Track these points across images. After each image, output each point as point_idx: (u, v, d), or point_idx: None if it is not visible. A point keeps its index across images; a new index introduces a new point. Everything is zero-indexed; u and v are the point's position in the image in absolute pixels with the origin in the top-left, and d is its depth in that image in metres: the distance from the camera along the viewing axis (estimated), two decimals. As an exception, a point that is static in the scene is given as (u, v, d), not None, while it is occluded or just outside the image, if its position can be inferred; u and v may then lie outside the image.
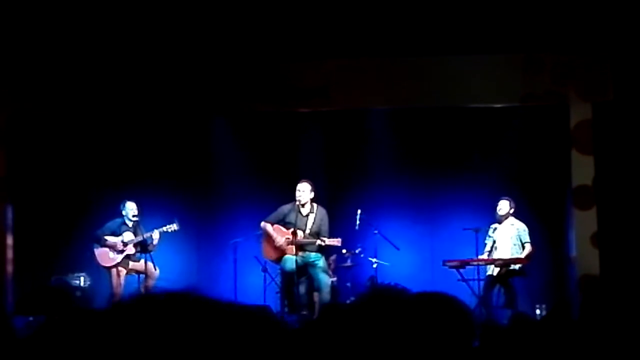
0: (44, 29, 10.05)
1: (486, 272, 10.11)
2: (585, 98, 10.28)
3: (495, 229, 10.29)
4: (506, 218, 10.23)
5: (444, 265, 9.99)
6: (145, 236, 10.21)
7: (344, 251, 10.45)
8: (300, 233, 9.86)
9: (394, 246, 10.47)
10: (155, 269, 10.28)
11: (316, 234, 9.86)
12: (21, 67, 10.40)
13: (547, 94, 10.37)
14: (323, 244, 9.78)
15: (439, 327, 2.09)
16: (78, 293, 10.41)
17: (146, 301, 1.57)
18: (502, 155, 11.13)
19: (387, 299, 2.09)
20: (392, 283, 2.19)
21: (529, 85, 10.36)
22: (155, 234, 10.23)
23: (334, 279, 10.47)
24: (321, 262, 9.90)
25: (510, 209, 10.24)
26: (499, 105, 10.78)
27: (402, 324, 1.97)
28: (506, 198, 10.28)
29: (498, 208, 10.26)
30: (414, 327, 2.01)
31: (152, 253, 10.23)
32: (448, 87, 10.47)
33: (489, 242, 10.34)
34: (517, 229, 10.20)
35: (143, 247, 10.21)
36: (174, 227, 10.25)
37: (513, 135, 11.06)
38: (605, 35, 10.04)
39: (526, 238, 10.15)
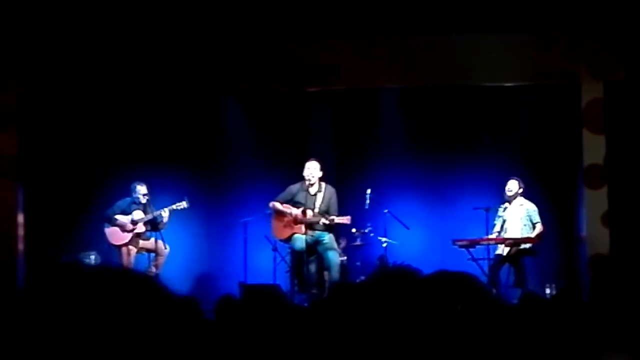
0: (54, 10, 10.03)
1: (495, 251, 10.09)
2: (597, 77, 10.23)
3: (505, 208, 10.26)
4: (515, 198, 10.19)
5: (454, 244, 9.98)
6: (154, 214, 10.24)
7: (353, 230, 10.45)
8: (309, 212, 9.86)
9: (404, 225, 10.47)
10: (166, 247, 10.31)
11: (325, 213, 9.86)
12: (31, 47, 10.40)
13: (558, 73, 10.32)
14: (332, 222, 9.77)
15: (454, 307, 2.08)
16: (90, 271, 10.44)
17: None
18: (513, 134, 11.09)
19: (399, 278, 2.08)
20: (404, 263, 2.18)
21: (540, 63, 10.31)
22: (165, 212, 10.25)
23: (344, 258, 10.48)
24: (331, 241, 9.90)
25: (520, 188, 10.20)
26: (510, 84, 10.74)
27: (415, 303, 1.97)
28: (515, 178, 10.23)
29: (507, 188, 10.21)
30: (430, 306, 2.01)
31: (162, 231, 10.25)
32: (458, 65, 10.43)
33: (498, 222, 10.32)
34: (527, 209, 10.17)
35: (153, 225, 10.23)
36: (183, 204, 10.26)
37: (524, 114, 11.01)
38: (617, 14, 9.97)
39: (536, 218, 10.12)
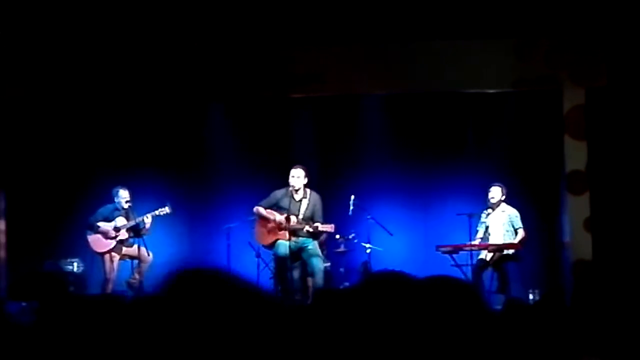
0: (38, 15, 9.99)
1: (478, 256, 10.11)
2: (579, 83, 10.28)
3: (488, 214, 10.29)
4: (498, 205, 10.22)
5: (437, 250, 9.99)
6: (137, 220, 10.21)
7: (337, 236, 10.45)
8: (293, 218, 9.86)
9: (387, 232, 10.48)
10: (149, 254, 10.28)
11: (309, 219, 9.86)
12: (14, 52, 10.35)
13: (540, 79, 10.36)
14: (317, 229, 9.77)
15: (448, 313, 2.08)
16: (71, 278, 10.41)
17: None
18: (495, 140, 11.14)
19: (385, 283, 2.08)
20: (390, 269, 2.17)
21: (522, 70, 10.35)
22: (148, 218, 10.22)
23: (328, 264, 10.48)
24: (314, 247, 9.90)
25: (502, 195, 10.24)
26: (491, 91, 10.78)
27: (402, 308, 1.96)
28: (498, 185, 10.26)
29: (490, 195, 10.24)
30: (419, 312, 2.01)
31: (145, 238, 10.22)
32: (440, 72, 10.46)
33: (481, 229, 10.35)
34: (509, 215, 10.20)
35: (136, 231, 10.20)
36: (166, 210, 10.24)
37: (506, 121, 11.06)
38: (598, 21, 10.03)
39: (518, 223, 10.15)
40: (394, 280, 2.02)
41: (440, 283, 2.16)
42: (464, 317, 2.04)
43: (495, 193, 10.21)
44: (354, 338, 1.95)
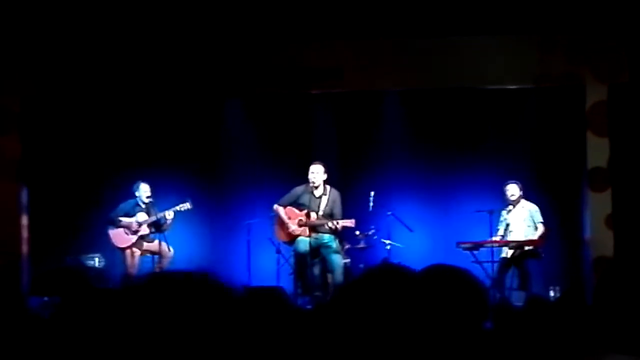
0: (58, 13, 10.05)
1: (500, 254, 10.09)
2: (601, 79, 10.22)
3: (509, 211, 10.26)
4: (518, 202, 10.19)
5: (457, 247, 9.97)
6: (158, 216, 10.25)
7: (357, 233, 10.45)
8: (313, 215, 9.86)
9: (408, 228, 10.46)
10: (170, 250, 10.32)
11: (329, 216, 9.87)
12: (35, 50, 10.42)
13: (562, 75, 10.32)
14: (337, 225, 9.77)
15: (451, 302, 2.08)
16: (92, 274, 10.47)
17: (161, 281, 1.58)
18: (516, 137, 11.09)
19: (394, 275, 2.07)
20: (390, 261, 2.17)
21: (544, 66, 10.30)
22: (169, 214, 10.26)
23: (347, 260, 10.48)
24: (334, 243, 9.90)
25: (520, 191, 10.21)
26: (513, 87, 10.73)
27: (413, 301, 1.96)
28: (513, 182, 10.22)
29: (509, 193, 10.19)
30: (425, 304, 2.00)
31: (166, 233, 10.27)
32: (462, 68, 10.43)
33: (501, 226, 10.31)
34: (529, 210, 10.17)
35: (157, 227, 10.25)
36: (187, 206, 10.27)
37: (528, 117, 11.01)
38: (620, 16, 9.97)
39: (539, 218, 10.13)
40: (393, 273, 2.01)
41: (437, 273, 2.16)
42: (465, 306, 2.04)
43: (514, 190, 10.18)
44: (366, 333, 1.94)
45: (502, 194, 10.27)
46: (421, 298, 2.02)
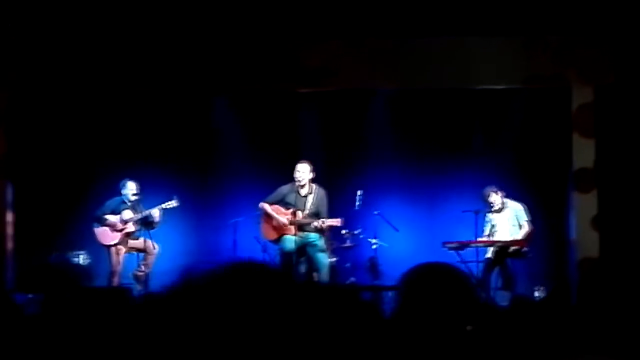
0: (45, 8, 10.00)
1: (485, 254, 10.12)
2: (587, 81, 10.26)
3: (494, 211, 10.29)
4: (504, 206, 10.22)
5: (443, 246, 9.99)
6: (144, 214, 10.23)
7: (343, 232, 10.45)
8: (299, 213, 9.87)
9: (393, 227, 10.48)
10: (155, 247, 10.30)
11: (315, 215, 9.87)
12: (21, 45, 10.36)
13: (548, 77, 10.34)
14: (323, 224, 9.77)
15: (441, 299, 2.07)
16: (78, 271, 10.43)
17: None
18: (502, 137, 11.12)
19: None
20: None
21: (531, 67, 10.33)
22: (155, 212, 10.24)
23: (334, 259, 10.48)
24: (320, 242, 9.91)
25: (501, 196, 10.23)
26: (500, 87, 10.76)
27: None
28: (492, 189, 10.21)
29: (490, 201, 10.19)
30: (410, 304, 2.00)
31: (152, 231, 10.24)
32: (449, 68, 10.43)
33: (487, 227, 10.34)
34: (514, 209, 10.21)
35: (146, 224, 10.23)
36: (173, 203, 10.26)
37: (514, 118, 11.04)
38: (606, 19, 10.00)
39: (524, 216, 10.17)
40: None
41: (427, 272, 2.16)
42: (452, 302, 2.04)
43: (495, 198, 10.20)
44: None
45: (483, 200, 10.28)
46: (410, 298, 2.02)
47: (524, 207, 10.24)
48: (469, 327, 2.14)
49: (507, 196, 10.28)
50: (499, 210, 10.23)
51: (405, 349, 1.99)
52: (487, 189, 10.22)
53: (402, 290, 2.40)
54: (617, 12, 9.95)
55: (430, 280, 2.30)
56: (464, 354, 2.02)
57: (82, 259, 10.60)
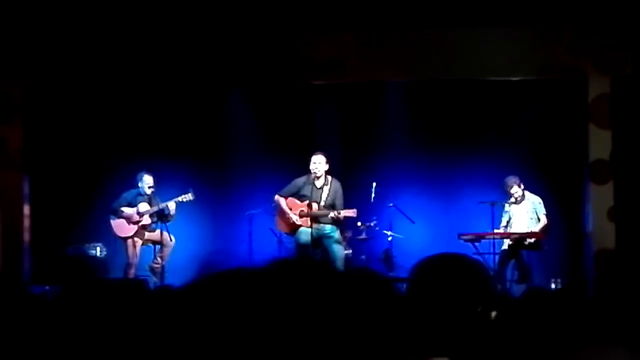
0: (59, 1, 10.04)
1: (501, 246, 10.09)
2: (604, 71, 10.20)
3: (512, 203, 10.25)
4: (523, 199, 10.18)
5: (459, 238, 9.98)
6: (160, 206, 10.26)
7: (359, 224, 10.45)
8: (314, 205, 9.87)
9: (409, 219, 10.46)
10: (171, 239, 10.33)
11: (331, 207, 9.87)
12: (36, 38, 10.41)
13: (564, 67, 10.29)
14: (339, 215, 9.77)
15: (457, 289, 2.06)
16: (94, 263, 10.48)
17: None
18: (518, 129, 11.06)
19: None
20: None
21: (547, 58, 10.28)
22: (171, 204, 10.27)
23: (349, 251, 10.49)
24: (336, 234, 9.91)
25: (521, 187, 10.19)
26: (516, 78, 10.71)
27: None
28: (513, 179, 10.16)
29: (512, 191, 10.14)
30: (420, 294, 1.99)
31: (169, 223, 10.27)
32: (465, 59, 10.41)
33: (504, 218, 10.32)
34: (532, 202, 10.17)
35: (161, 217, 10.25)
36: (189, 196, 10.28)
37: (530, 109, 10.98)
38: (623, 8, 9.94)
39: (542, 210, 10.13)
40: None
41: (444, 261, 2.15)
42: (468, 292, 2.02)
43: (515, 189, 10.14)
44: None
45: (503, 190, 10.24)
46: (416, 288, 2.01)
47: (541, 200, 10.20)
48: (479, 309, 2.13)
49: (525, 189, 10.24)
50: (518, 202, 10.19)
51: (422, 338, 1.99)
52: (510, 180, 10.16)
53: (413, 280, 2.40)
54: (634, 1, 9.88)
55: (442, 269, 2.29)
56: (481, 344, 2.01)
57: (98, 251, 10.65)
